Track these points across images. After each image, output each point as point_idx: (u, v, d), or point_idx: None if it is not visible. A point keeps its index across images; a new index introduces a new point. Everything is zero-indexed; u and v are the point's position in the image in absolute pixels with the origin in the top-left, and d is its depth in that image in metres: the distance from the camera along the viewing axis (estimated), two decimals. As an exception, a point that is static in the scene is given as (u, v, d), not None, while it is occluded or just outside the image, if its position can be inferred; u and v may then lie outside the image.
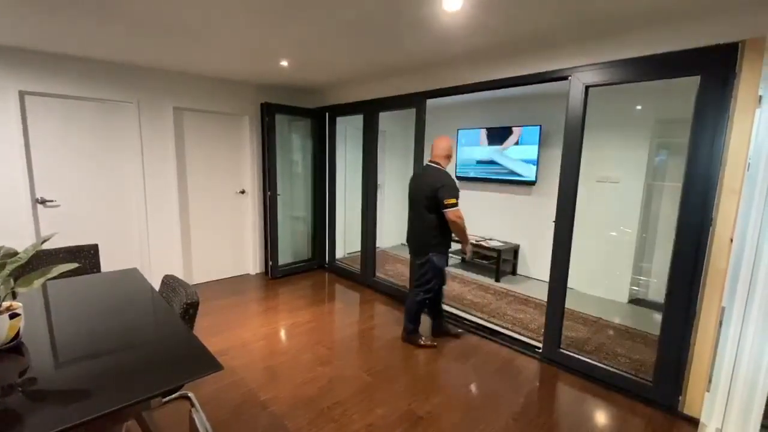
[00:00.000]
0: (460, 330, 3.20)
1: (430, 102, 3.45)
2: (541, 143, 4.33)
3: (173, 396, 1.67)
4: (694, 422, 2.09)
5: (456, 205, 2.66)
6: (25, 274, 1.37)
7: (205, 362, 1.24)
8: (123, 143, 3.58)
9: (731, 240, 1.89)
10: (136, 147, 3.61)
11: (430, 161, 2.83)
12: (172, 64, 3.43)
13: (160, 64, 3.41)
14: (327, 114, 4.61)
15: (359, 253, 4.40)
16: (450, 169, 2.91)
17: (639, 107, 3.70)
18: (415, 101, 3.49)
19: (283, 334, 3.11)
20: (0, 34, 2.60)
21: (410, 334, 2.97)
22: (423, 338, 2.96)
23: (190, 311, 1.62)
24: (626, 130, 3.74)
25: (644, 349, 2.89)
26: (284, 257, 4.62)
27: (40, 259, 2.10)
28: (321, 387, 2.38)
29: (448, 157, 2.82)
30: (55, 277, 1.40)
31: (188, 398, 2.05)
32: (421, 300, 2.90)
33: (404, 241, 3.18)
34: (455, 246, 5.23)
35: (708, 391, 1.89)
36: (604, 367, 2.52)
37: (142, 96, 3.59)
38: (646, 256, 3.90)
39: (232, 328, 3.16)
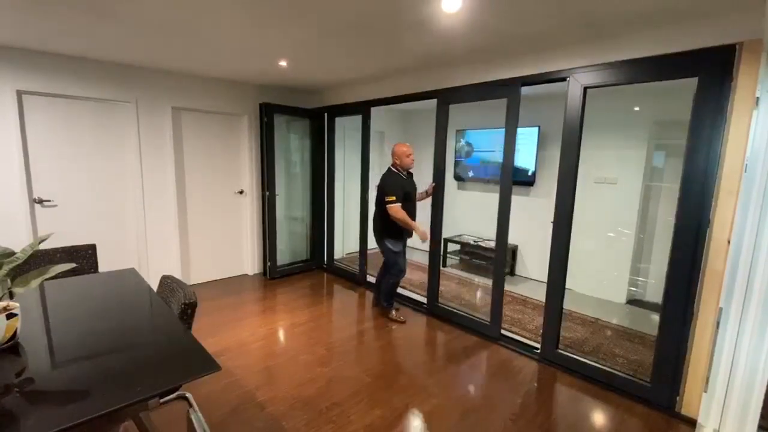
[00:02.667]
0: (397, 308, 3.57)
1: (427, 102, 3.45)
2: (540, 144, 4.33)
3: (171, 396, 1.66)
4: (692, 423, 2.09)
5: (394, 201, 3.06)
6: (23, 274, 1.37)
7: (203, 363, 1.24)
8: (121, 143, 3.57)
9: (728, 241, 1.89)
10: (134, 147, 3.60)
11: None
12: (170, 64, 3.43)
13: (158, 63, 3.40)
14: (326, 114, 4.61)
15: (358, 254, 4.40)
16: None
17: (637, 108, 3.71)
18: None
19: (281, 334, 3.11)
20: (-2, 33, 2.60)
21: (385, 307, 3.46)
22: (394, 313, 3.42)
23: (188, 311, 1.62)
24: (624, 131, 3.75)
25: (642, 350, 2.90)
26: (282, 257, 4.61)
27: (38, 259, 2.09)
28: (319, 387, 2.38)
29: (397, 160, 3.22)
30: (52, 278, 1.39)
31: (186, 399, 2.04)
32: (393, 281, 3.38)
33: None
34: (453, 246, 5.19)
35: (705, 391, 1.89)
36: (602, 367, 2.52)
37: (141, 95, 3.58)
38: (643, 257, 3.91)
39: (231, 328, 3.16)
